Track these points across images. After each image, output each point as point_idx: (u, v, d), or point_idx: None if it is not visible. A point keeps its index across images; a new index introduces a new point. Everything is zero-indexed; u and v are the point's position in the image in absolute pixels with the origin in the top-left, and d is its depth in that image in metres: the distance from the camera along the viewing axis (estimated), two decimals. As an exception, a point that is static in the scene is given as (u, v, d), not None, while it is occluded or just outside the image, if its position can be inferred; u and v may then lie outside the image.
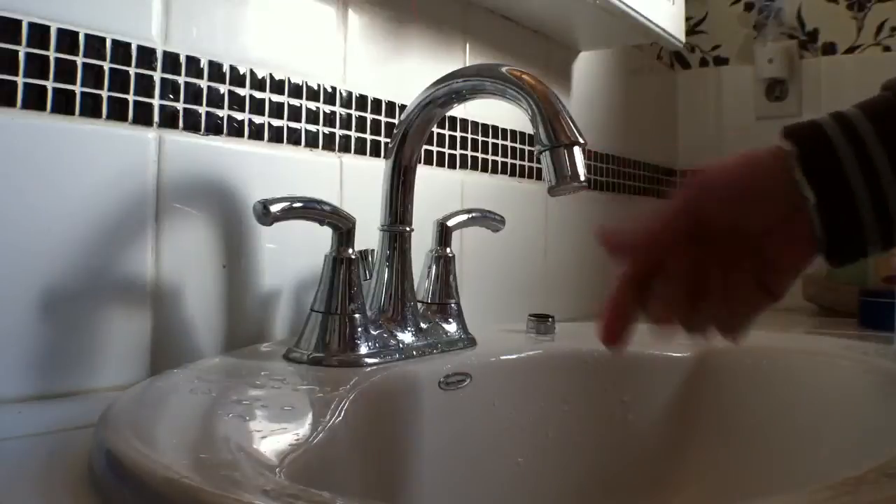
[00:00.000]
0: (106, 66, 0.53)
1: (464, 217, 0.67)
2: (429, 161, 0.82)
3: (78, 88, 0.51)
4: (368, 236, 0.60)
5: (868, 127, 0.42)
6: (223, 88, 0.61)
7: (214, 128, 0.60)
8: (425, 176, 0.77)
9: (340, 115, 0.71)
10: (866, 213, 0.41)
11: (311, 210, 0.54)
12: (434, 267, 0.63)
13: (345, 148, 0.71)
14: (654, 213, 0.43)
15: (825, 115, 0.44)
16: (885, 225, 0.41)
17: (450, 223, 0.65)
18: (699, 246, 0.42)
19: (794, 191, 0.41)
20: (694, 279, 0.42)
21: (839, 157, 0.41)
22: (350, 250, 0.55)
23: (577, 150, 0.48)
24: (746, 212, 0.42)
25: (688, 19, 1.21)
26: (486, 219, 0.69)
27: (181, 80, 0.58)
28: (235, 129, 0.62)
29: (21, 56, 0.48)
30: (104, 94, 0.53)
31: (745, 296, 0.43)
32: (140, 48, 0.55)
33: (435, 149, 0.83)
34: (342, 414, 0.42)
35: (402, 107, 0.77)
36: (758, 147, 0.44)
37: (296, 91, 0.67)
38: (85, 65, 0.52)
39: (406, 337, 0.57)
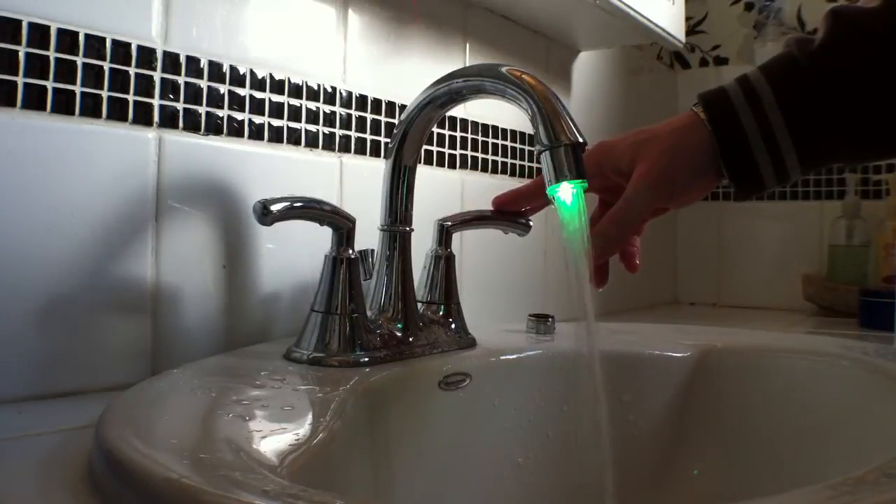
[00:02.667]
0: (106, 66, 0.53)
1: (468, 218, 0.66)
2: (429, 161, 0.82)
3: (78, 88, 0.51)
4: (368, 236, 0.60)
5: (766, 88, 0.51)
6: (223, 88, 0.61)
7: (214, 128, 0.60)
8: (425, 176, 0.77)
9: (340, 115, 0.71)
10: (760, 155, 0.52)
11: (311, 210, 0.54)
12: (434, 267, 0.63)
13: (345, 148, 0.71)
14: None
15: (731, 81, 0.54)
16: (778, 163, 0.52)
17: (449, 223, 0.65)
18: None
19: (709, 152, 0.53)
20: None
21: (737, 112, 0.52)
22: (350, 250, 0.55)
23: (577, 150, 0.48)
24: (648, 149, 0.54)
25: (688, 19, 1.21)
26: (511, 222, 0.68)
27: (181, 80, 0.58)
28: (235, 129, 0.62)
29: (21, 56, 0.48)
30: (104, 94, 0.53)
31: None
32: (140, 48, 0.55)
33: (435, 149, 0.83)
34: (342, 414, 0.42)
35: (402, 107, 0.77)
36: None
37: (296, 91, 0.67)
38: (85, 65, 0.52)
39: (406, 337, 0.57)
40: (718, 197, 1.39)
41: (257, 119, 0.63)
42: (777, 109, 0.51)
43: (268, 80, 0.64)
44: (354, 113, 0.72)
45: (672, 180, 0.54)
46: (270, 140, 0.64)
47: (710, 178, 0.55)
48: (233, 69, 0.61)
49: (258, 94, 0.63)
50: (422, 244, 0.63)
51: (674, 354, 0.67)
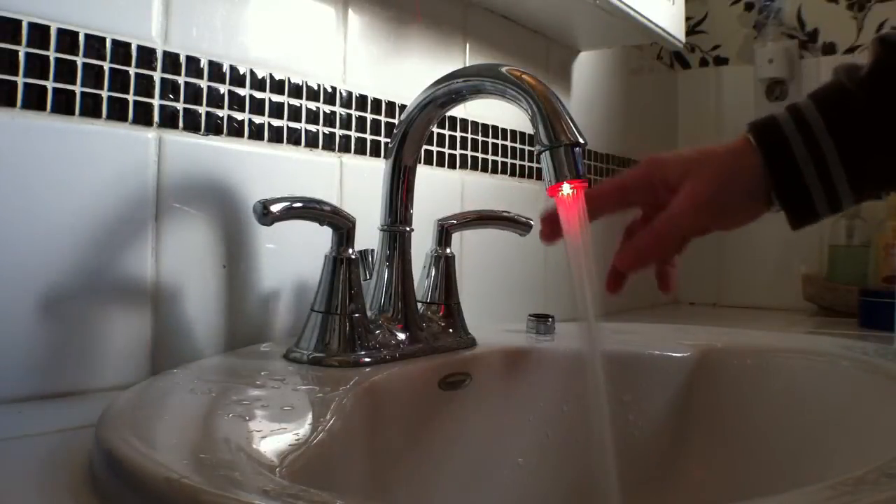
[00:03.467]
0: (106, 66, 0.53)
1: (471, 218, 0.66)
2: (429, 161, 0.82)
3: (78, 88, 0.51)
4: (368, 236, 0.60)
5: (815, 115, 0.51)
6: (223, 88, 0.61)
7: (214, 128, 0.60)
8: (425, 176, 0.77)
9: (340, 115, 0.71)
10: (811, 181, 0.51)
11: (311, 210, 0.54)
12: (434, 267, 0.63)
13: (345, 148, 0.71)
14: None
15: (782, 109, 0.53)
16: (832, 194, 0.51)
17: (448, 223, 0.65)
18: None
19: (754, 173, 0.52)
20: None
21: (788, 139, 0.51)
22: (350, 250, 0.55)
23: (577, 150, 0.48)
24: (700, 168, 0.52)
25: (688, 19, 1.21)
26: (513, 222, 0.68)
27: (181, 80, 0.58)
28: (235, 129, 0.62)
29: (21, 56, 0.48)
30: (104, 94, 0.53)
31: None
32: (140, 48, 0.55)
33: (435, 149, 0.83)
34: (342, 414, 0.42)
35: (402, 107, 0.77)
36: None
37: (296, 91, 0.67)
38: (85, 65, 0.52)
39: (406, 337, 0.57)
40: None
41: (257, 119, 0.63)
42: (827, 135, 0.50)
43: (268, 80, 0.64)
44: (354, 113, 0.72)
45: (722, 203, 0.53)
46: (270, 140, 0.64)
47: (759, 204, 0.54)
48: (233, 69, 0.61)
49: (258, 94, 0.63)
50: (422, 244, 0.63)
51: (674, 354, 0.67)
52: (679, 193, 0.52)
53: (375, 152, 0.74)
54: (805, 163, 0.50)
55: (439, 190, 0.83)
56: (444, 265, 0.63)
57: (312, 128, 0.68)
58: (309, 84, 0.68)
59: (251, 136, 0.63)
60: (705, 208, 0.52)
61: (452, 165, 0.86)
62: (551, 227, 0.54)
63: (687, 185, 0.52)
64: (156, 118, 0.56)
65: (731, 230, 0.56)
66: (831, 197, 0.51)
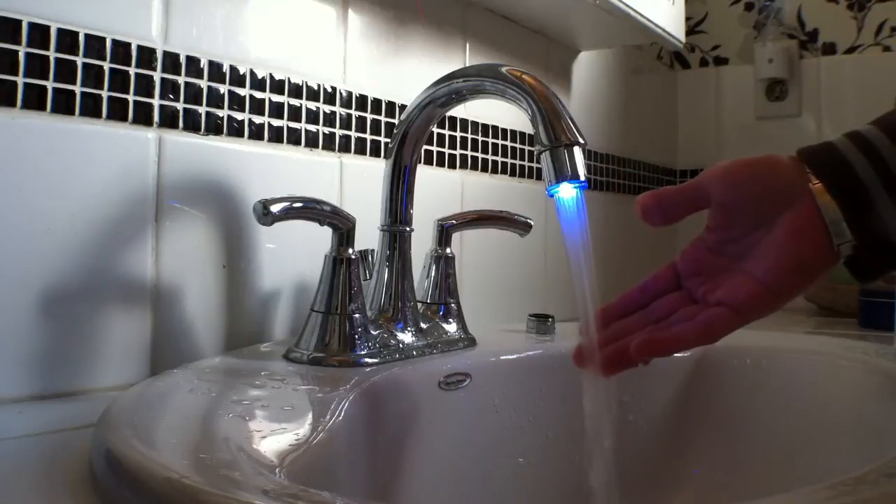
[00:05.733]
0: (106, 66, 0.53)
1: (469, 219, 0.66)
2: (429, 161, 0.82)
3: (78, 88, 0.51)
4: (368, 236, 0.60)
5: (882, 139, 0.41)
6: (223, 88, 0.61)
7: (214, 128, 0.60)
8: (425, 176, 0.77)
9: (340, 115, 0.71)
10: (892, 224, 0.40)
11: (311, 210, 0.54)
12: (434, 267, 0.63)
13: (345, 148, 0.71)
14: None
15: (840, 136, 0.43)
16: None
17: (449, 223, 0.65)
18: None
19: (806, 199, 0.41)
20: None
21: (858, 174, 0.41)
22: (350, 250, 0.55)
23: (577, 150, 0.48)
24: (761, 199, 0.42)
25: (688, 19, 1.21)
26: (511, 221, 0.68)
27: (181, 80, 0.58)
28: (235, 129, 0.62)
29: (21, 56, 0.48)
30: (104, 94, 0.53)
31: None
32: (140, 48, 0.55)
33: (435, 149, 0.83)
34: (342, 414, 0.42)
35: (402, 107, 0.77)
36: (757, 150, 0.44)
37: (296, 91, 0.67)
38: (85, 65, 0.52)
39: (406, 337, 0.57)
40: None
41: (257, 119, 0.63)
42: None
43: (268, 80, 0.64)
44: (354, 113, 0.72)
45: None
46: (270, 140, 0.64)
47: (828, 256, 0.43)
48: (233, 69, 0.61)
49: (258, 94, 0.63)
50: (422, 244, 0.63)
51: (674, 354, 0.67)
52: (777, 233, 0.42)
53: (375, 152, 0.74)
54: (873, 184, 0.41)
55: (439, 190, 0.83)
56: (444, 265, 0.63)
57: (312, 128, 0.68)
58: (309, 84, 0.68)
59: (251, 136, 0.63)
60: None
61: (452, 165, 0.86)
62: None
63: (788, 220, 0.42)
64: (156, 118, 0.56)
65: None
66: None
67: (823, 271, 0.43)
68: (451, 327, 0.62)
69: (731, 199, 0.43)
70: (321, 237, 0.56)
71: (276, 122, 0.65)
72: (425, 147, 0.80)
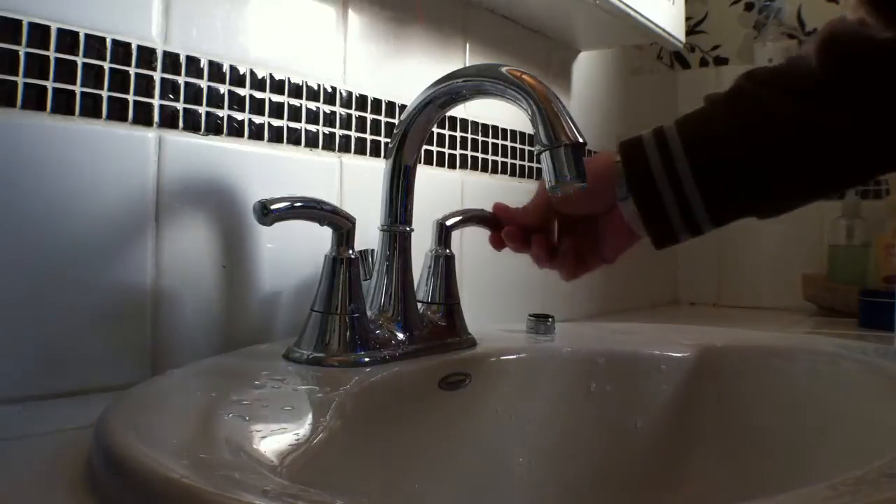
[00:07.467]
0: (106, 66, 0.53)
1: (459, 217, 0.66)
2: (429, 161, 0.82)
3: (78, 88, 0.51)
4: (368, 236, 0.60)
5: (674, 133, 0.58)
6: (223, 88, 0.61)
7: (214, 128, 0.60)
8: (425, 176, 0.77)
9: (340, 115, 0.71)
10: (671, 208, 0.57)
11: (311, 210, 0.54)
12: (434, 267, 0.63)
13: (345, 148, 0.71)
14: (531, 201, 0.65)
15: (648, 131, 0.59)
16: (688, 217, 0.57)
17: (448, 223, 0.65)
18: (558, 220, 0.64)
19: (617, 182, 0.59)
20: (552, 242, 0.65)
21: (651, 167, 0.57)
22: (350, 250, 0.55)
23: (577, 151, 0.48)
24: (584, 204, 0.62)
25: (688, 19, 1.21)
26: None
27: (181, 80, 0.58)
28: (235, 129, 0.62)
29: (21, 56, 0.48)
30: (104, 94, 0.53)
31: (585, 257, 0.64)
32: (140, 48, 0.55)
33: (435, 149, 0.83)
34: (342, 414, 0.42)
35: (402, 107, 0.77)
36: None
37: (296, 91, 0.67)
38: (85, 65, 0.52)
39: (406, 337, 0.57)
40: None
41: (257, 119, 0.63)
42: (679, 142, 0.57)
43: (268, 80, 0.64)
44: (354, 113, 0.72)
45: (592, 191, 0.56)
46: (270, 140, 0.64)
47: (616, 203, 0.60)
48: (233, 69, 0.61)
49: (258, 94, 0.63)
50: (422, 244, 0.63)
51: (674, 354, 0.67)
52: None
53: (375, 152, 0.74)
54: (659, 175, 0.57)
55: (439, 190, 0.83)
56: (444, 265, 0.63)
57: (312, 128, 0.68)
58: (309, 84, 0.68)
59: (251, 136, 0.63)
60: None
61: (452, 165, 0.86)
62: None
63: None
64: (156, 118, 0.56)
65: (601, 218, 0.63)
66: (680, 200, 0.57)
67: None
68: (452, 327, 0.62)
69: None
70: (321, 237, 0.56)
71: (276, 122, 0.65)
72: (425, 147, 0.80)
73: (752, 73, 0.58)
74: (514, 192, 0.95)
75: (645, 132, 0.59)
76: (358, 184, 0.72)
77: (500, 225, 0.65)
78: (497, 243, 0.65)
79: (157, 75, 0.56)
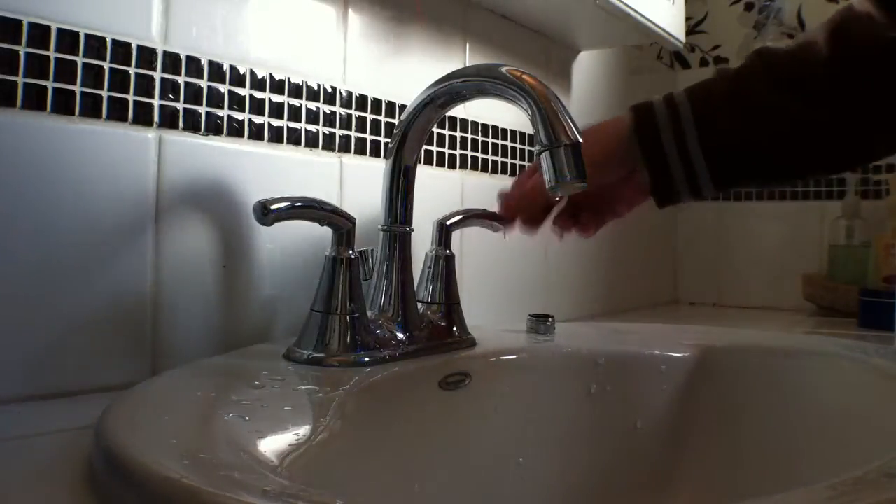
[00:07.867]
0: (106, 66, 0.53)
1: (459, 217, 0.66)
2: (429, 161, 0.82)
3: (78, 88, 0.51)
4: (368, 236, 0.60)
5: (687, 105, 0.64)
6: (223, 88, 0.61)
7: (214, 128, 0.60)
8: (425, 176, 0.77)
9: (340, 115, 0.71)
10: (676, 171, 0.65)
11: (311, 210, 0.54)
12: (434, 267, 0.63)
13: (345, 148, 0.71)
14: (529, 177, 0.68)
15: (658, 96, 0.66)
16: (692, 181, 0.65)
17: (448, 223, 0.65)
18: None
19: (630, 152, 0.65)
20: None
21: (659, 127, 0.64)
22: (350, 250, 0.55)
23: (576, 150, 0.48)
24: (595, 178, 0.61)
25: (688, 19, 1.21)
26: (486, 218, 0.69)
27: (181, 80, 0.58)
28: (235, 129, 0.62)
29: (21, 56, 0.48)
30: (104, 94, 0.53)
31: (602, 216, 0.71)
32: (140, 48, 0.55)
33: (435, 149, 0.83)
34: (342, 414, 0.42)
35: (402, 107, 0.77)
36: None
37: (296, 91, 0.67)
38: (85, 65, 0.52)
39: (406, 337, 0.57)
40: (718, 197, 1.39)
41: (257, 119, 0.63)
42: (688, 106, 0.64)
43: (268, 80, 0.64)
44: (354, 113, 0.72)
45: (596, 161, 0.61)
46: (270, 140, 0.64)
47: (630, 174, 0.67)
48: (233, 69, 0.61)
49: (258, 94, 0.63)
50: (422, 244, 0.63)
51: (674, 354, 0.67)
52: None
53: (375, 152, 0.74)
54: (665, 129, 0.64)
55: (439, 190, 0.83)
56: (444, 265, 0.63)
57: (312, 128, 0.68)
58: (309, 84, 0.68)
59: (251, 136, 0.63)
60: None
61: (452, 165, 0.86)
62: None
63: None
64: (156, 118, 0.56)
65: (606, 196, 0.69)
66: (686, 163, 0.64)
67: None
68: (452, 327, 0.62)
69: None
70: (321, 237, 0.56)
71: (276, 122, 0.65)
72: (425, 147, 0.80)
73: (762, 54, 0.65)
74: (514, 192, 0.96)
75: (656, 99, 0.66)
76: (358, 184, 0.72)
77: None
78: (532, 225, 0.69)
79: (157, 75, 0.56)
